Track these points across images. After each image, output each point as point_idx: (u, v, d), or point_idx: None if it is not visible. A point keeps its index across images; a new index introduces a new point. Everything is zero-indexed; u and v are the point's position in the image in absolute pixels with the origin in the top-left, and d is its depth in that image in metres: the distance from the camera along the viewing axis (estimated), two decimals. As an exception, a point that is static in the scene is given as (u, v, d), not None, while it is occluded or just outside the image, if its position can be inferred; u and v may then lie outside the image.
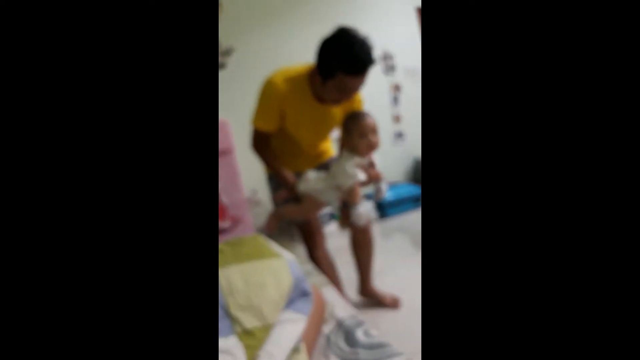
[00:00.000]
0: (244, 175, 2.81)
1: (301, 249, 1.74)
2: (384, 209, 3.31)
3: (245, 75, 3.27)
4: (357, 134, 1.29)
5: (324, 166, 1.58)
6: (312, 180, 1.37)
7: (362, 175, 1.31)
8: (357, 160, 1.30)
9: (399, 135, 3.87)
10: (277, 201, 1.49)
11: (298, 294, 0.87)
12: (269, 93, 1.28)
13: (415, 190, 3.39)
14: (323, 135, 1.51)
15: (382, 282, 1.97)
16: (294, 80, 1.28)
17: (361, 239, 1.67)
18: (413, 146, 3.92)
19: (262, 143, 1.38)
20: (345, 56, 1.16)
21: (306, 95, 1.31)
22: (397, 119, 3.85)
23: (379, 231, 3.00)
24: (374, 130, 1.30)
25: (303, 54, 3.41)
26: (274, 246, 0.98)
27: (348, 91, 1.23)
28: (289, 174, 1.40)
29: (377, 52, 3.69)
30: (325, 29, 3.77)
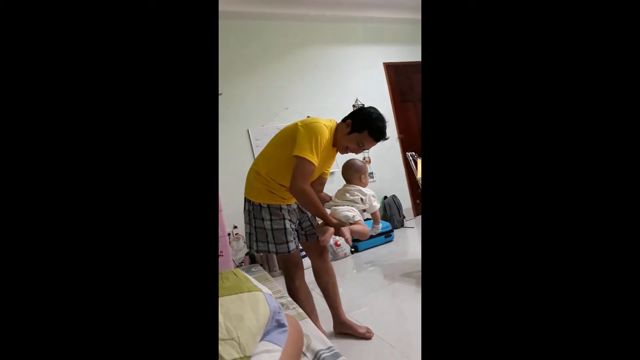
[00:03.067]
0: (225, 212, 2.78)
1: (277, 285, 1.72)
2: (356, 244, 3.31)
3: (229, 116, 3.31)
4: (364, 173, 1.75)
5: None
6: (346, 209, 1.60)
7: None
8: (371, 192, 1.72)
9: (369, 175, 3.95)
10: (325, 242, 1.52)
11: (274, 326, 0.85)
12: (323, 134, 1.45)
13: (385, 226, 3.42)
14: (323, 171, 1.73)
15: (355, 313, 1.94)
16: (330, 127, 1.54)
17: (322, 265, 1.73)
18: (382, 185, 4.00)
19: (308, 179, 1.43)
20: (376, 125, 1.52)
21: (329, 142, 1.53)
22: (367, 160, 3.96)
23: (352, 265, 2.98)
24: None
25: (284, 99, 3.51)
26: (252, 280, 0.96)
27: (361, 146, 1.54)
28: (326, 213, 1.55)
29: (349, 101, 3.86)
30: (305, 79, 3.86)
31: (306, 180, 1.41)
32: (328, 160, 1.63)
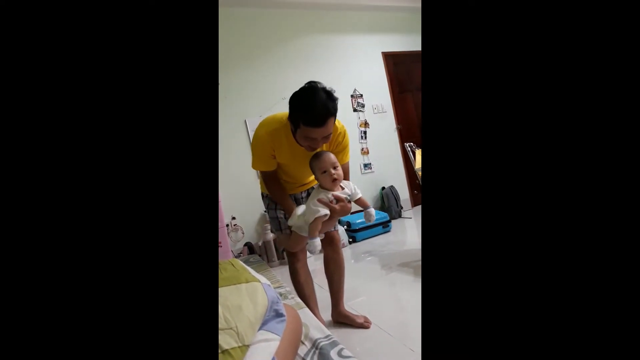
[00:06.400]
0: (223, 203, 2.78)
1: (276, 275, 1.76)
2: (354, 234, 3.32)
3: (228, 105, 3.29)
4: (319, 171, 1.30)
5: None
6: (295, 216, 1.41)
7: (324, 210, 1.26)
8: (320, 196, 1.29)
9: (367, 166, 3.94)
10: (284, 237, 1.57)
11: (272, 316, 0.86)
12: (258, 144, 1.43)
13: (383, 216, 3.43)
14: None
15: (353, 302, 1.96)
16: (276, 130, 1.37)
17: (332, 255, 1.73)
18: (380, 176, 4.00)
19: (270, 179, 1.53)
20: (305, 111, 1.21)
21: (289, 138, 1.38)
22: (365, 151, 3.95)
23: (349, 254, 2.99)
24: (334, 164, 1.29)
25: (282, 89, 3.49)
26: (251, 271, 0.97)
27: (312, 140, 1.26)
28: (291, 209, 1.49)
29: (348, 92, 3.83)
30: (303, 68, 3.83)
31: (268, 183, 1.53)
32: (304, 156, 1.39)
